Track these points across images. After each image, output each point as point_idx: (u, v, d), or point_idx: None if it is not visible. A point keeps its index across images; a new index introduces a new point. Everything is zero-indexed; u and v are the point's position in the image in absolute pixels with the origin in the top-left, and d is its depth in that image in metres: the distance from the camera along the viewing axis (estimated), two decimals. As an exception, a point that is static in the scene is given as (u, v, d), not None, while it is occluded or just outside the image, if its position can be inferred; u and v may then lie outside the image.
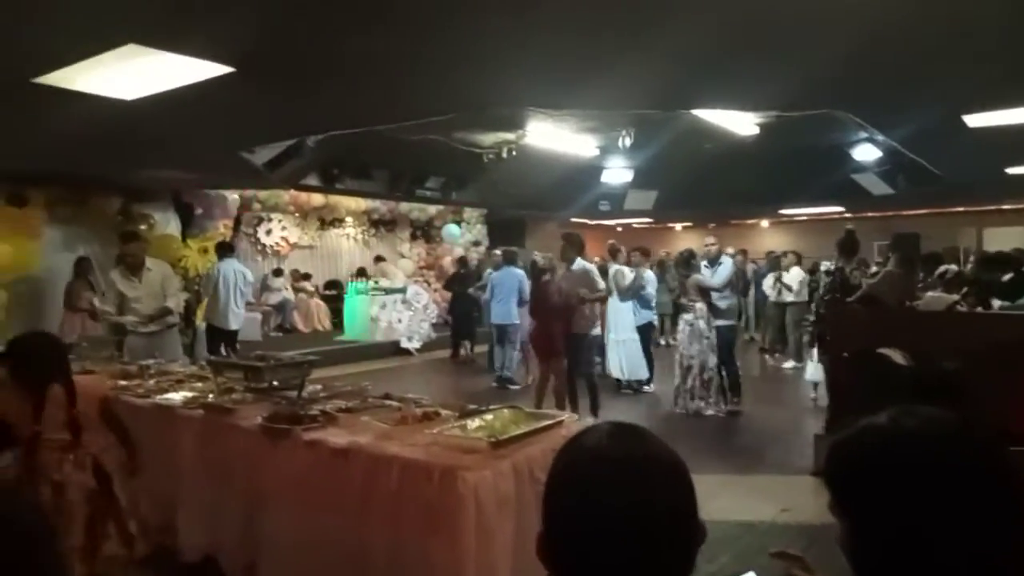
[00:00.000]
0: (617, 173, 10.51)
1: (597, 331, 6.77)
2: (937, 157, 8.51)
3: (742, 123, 6.85)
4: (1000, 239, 13.95)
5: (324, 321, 14.13)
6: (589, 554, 0.94)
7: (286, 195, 12.38)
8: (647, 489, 0.94)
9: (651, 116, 6.44)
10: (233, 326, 8.43)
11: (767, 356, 11.03)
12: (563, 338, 6.40)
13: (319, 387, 3.87)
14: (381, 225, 15.80)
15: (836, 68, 4.76)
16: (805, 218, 18.68)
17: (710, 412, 7.12)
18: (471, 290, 11.21)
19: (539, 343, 6.66)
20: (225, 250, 8.75)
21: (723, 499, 4.22)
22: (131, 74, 4.21)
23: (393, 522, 2.65)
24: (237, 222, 11.94)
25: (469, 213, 14.83)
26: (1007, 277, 6.21)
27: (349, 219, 15.25)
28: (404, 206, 14.49)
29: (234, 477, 3.27)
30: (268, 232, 14.23)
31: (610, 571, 0.93)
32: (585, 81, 4.99)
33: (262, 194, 11.94)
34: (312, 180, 9.64)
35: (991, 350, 3.20)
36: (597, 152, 8.81)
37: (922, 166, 8.94)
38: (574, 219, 16.78)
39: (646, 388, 8.38)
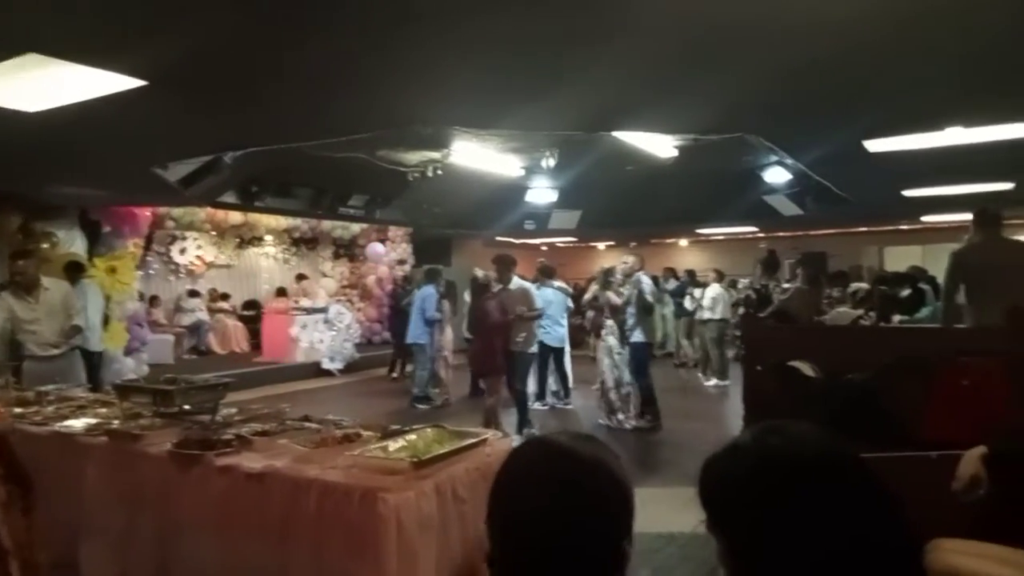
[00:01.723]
0: (542, 193, 10.63)
1: (535, 349, 6.80)
2: (842, 180, 8.99)
3: (662, 146, 7.04)
4: (899, 257, 14.83)
5: (242, 342, 13.67)
6: (516, 530, 1.00)
7: (202, 212, 11.97)
8: (580, 481, 1.01)
9: (574, 138, 6.56)
10: (98, 347, 8.00)
11: (698, 373, 11.23)
12: (502, 356, 6.40)
13: (234, 410, 3.72)
14: (302, 243, 15.47)
15: (750, 95, 4.99)
16: (722, 237, 19.40)
17: (627, 426, 7.26)
18: (404, 303, 11.21)
19: (478, 361, 6.66)
20: (79, 270, 8.21)
21: (645, 512, 4.25)
22: (33, 85, 3.99)
23: (314, 547, 2.57)
24: (148, 240, 11.45)
25: (394, 231, 14.69)
26: (905, 293, 6.61)
27: (269, 237, 14.88)
28: (327, 224, 14.24)
29: (144, 506, 3.11)
30: (182, 251, 13.71)
31: (532, 545, 0.99)
32: (510, 103, 5.05)
33: (176, 211, 11.50)
34: (230, 198, 9.35)
35: (894, 362, 3.36)
36: (522, 172, 8.88)
37: (828, 188, 9.42)
38: (500, 238, 16.86)
39: (537, 404, 8.45)
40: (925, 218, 14.50)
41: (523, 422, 6.65)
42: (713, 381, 10.39)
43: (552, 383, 8.69)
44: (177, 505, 2.97)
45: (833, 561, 0.91)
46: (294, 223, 13.95)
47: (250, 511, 2.74)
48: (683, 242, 20.86)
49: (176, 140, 6.12)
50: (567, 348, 8.77)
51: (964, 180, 9.07)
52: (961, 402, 3.13)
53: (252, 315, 14.09)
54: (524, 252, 19.21)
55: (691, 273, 12.45)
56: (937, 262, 11.23)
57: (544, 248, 20.31)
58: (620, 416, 7.36)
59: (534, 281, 8.71)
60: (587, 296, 8.08)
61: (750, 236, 18.35)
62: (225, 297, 14.17)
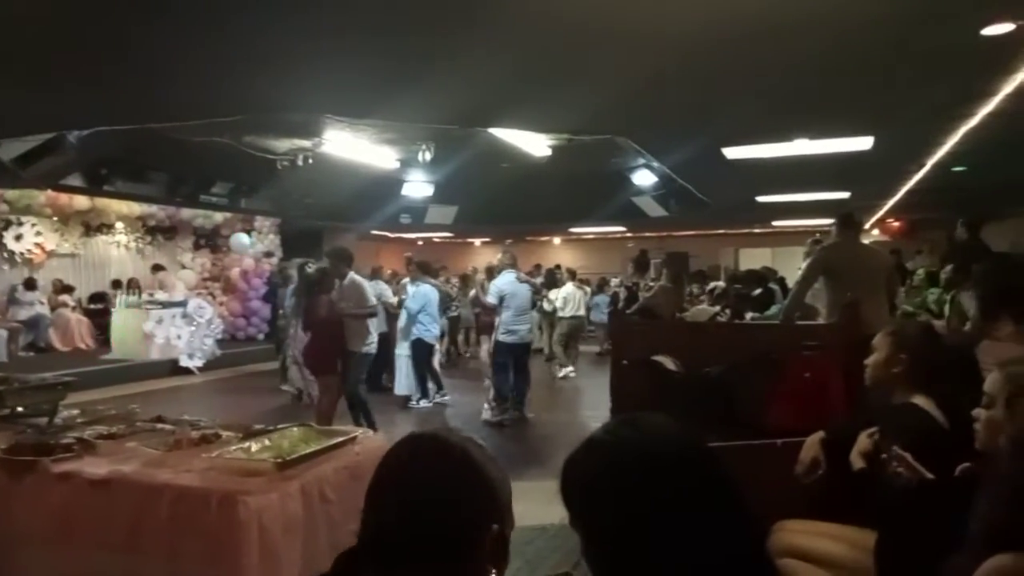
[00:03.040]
0: (418, 187, 10.53)
1: (370, 348, 6.29)
2: (703, 184, 9.54)
3: (536, 145, 7.17)
4: (752, 258, 15.94)
5: (87, 339, 12.61)
6: (387, 520, 1.03)
7: (41, 196, 10.93)
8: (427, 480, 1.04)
9: (451, 132, 6.54)
10: None
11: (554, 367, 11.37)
12: (336, 354, 6.06)
13: (76, 412, 3.42)
14: (159, 232, 14.47)
15: (618, 98, 5.18)
16: (592, 236, 20.06)
17: (486, 418, 7.37)
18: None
19: (310, 359, 6.39)
20: None
21: (518, 506, 4.35)
22: None
23: (167, 557, 2.41)
24: (-23, 225, 10.33)
25: (260, 222, 14.03)
26: (757, 292, 7.09)
27: (120, 225, 13.80)
28: (186, 212, 13.41)
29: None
30: (18, 237, 12.45)
31: (401, 532, 1.01)
32: (383, 92, 4.95)
33: (10, 194, 10.46)
34: (75, 180, 8.59)
35: (747, 356, 3.59)
36: (397, 165, 8.76)
37: (691, 192, 9.97)
38: (375, 231, 16.57)
39: (413, 403, 8.36)
40: (776, 223, 15.70)
41: (371, 425, 6.28)
42: (564, 372, 10.61)
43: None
44: (8, 517, 2.69)
45: (685, 550, 0.94)
46: (149, 210, 13.02)
47: (94, 521, 2.53)
48: (556, 240, 21.39)
49: (8, 115, 5.54)
50: (438, 346, 8.68)
51: (809, 189, 9.90)
52: (803, 392, 3.39)
53: (100, 308, 13.02)
54: (400, 246, 19.01)
55: (550, 274, 12.73)
56: (785, 263, 12.20)
57: (420, 243, 20.19)
58: (485, 407, 7.48)
59: (411, 277, 8.60)
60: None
61: (619, 236, 19.12)
62: (68, 289, 13.01)
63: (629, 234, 18.74)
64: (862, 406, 2.74)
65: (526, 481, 5.48)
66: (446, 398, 8.54)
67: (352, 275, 6.28)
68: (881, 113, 5.76)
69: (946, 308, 5.69)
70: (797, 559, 2.18)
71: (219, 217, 13.84)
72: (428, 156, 7.72)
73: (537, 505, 4.54)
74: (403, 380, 8.43)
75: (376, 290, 8.47)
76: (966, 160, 7.77)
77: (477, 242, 21.81)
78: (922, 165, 8.27)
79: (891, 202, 11.93)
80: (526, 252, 18.39)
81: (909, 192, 10.41)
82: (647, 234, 18.17)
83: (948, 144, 6.97)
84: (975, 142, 6.65)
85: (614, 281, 16.08)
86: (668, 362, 3.71)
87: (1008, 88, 4.93)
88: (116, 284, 13.17)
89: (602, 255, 19.92)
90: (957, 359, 2.37)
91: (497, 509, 1.06)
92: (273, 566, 2.33)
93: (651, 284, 8.29)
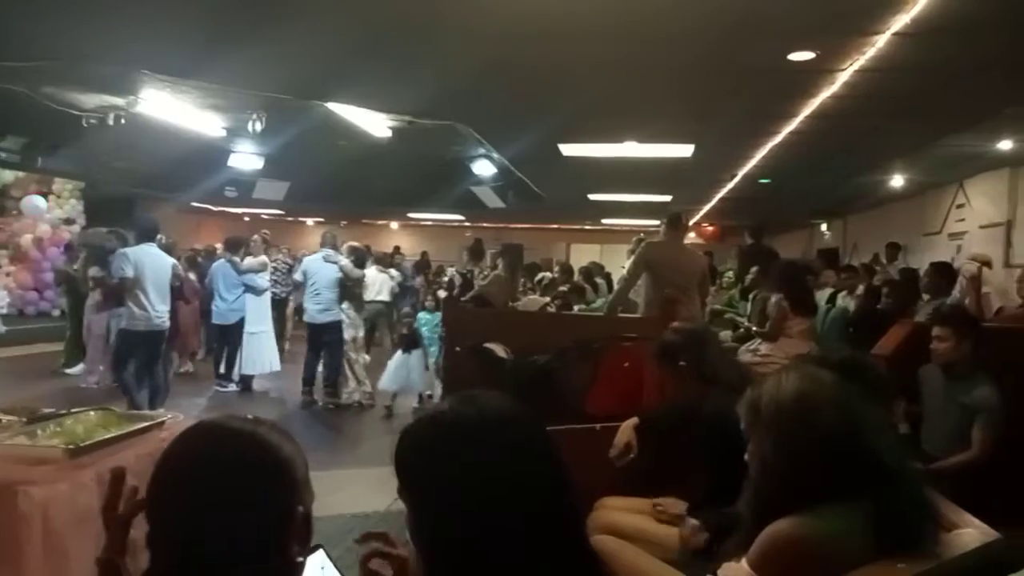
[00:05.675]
0: (246, 159, 9.86)
1: (131, 326, 5.73)
2: (539, 179, 9.84)
3: (376, 125, 7.00)
4: (583, 253, 16.73)
5: None
6: (171, 511, 0.96)
7: None
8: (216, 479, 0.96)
9: (284, 103, 6.21)
10: None
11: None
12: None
13: None
14: (-69, 189, 12.53)
15: (456, 84, 5.21)
16: (431, 223, 20.02)
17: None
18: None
19: None
20: None
21: (344, 493, 4.23)
22: None
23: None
24: None
25: (60, 185, 12.56)
26: (586, 285, 7.44)
27: None
28: (-33, 168, 11.72)
29: None
30: None
31: (186, 524, 0.95)
32: (207, 52, 4.62)
33: None
34: None
35: (572, 344, 3.75)
36: (224, 133, 8.17)
37: (528, 185, 10.24)
38: (196, 203, 15.42)
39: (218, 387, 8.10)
40: (605, 220, 16.55)
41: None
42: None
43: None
44: None
45: (510, 527, 0.96)
46: (-83, 162, 11.24)
47: None
48: (394, 225, 21.11)
49: None
50: (249, 327, 8.03)
51: (636, 190, 10.53)
52: (621, 381, 3.60)
53: None
54: (224, 221, 17.82)
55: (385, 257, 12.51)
56: (612, 259, 12.89)
57: (247, 219, 19.07)
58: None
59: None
60: None
61: (457, 224, 19.24)
62: None
63: (467, 223, 18.90)
64: (670, 398, 2.94)
65: (348, 469, 5.38)
66: (228, 387, 8.09)
67: (134, 248, 5.80)
68: (701, 123, 6.24)
69: (748, 306, 6.32)
70: (612, 535, 2.30)
71: (9, 176, 12.22)
72: (259, 127, 7.24)
73: (363, 493, 4.46)
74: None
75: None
76: (771, 173, 8.63)
77: (310, 221, 20.98)
78: (734, 175, 9.08)
79: (706, 207, 12.99)
80: (362, 235, 17.85)
81: (722, 199, 11.41)
82: (485, 224, 18.43)
83: (756, 157, 7.71)
84: (779, 157, 7.40)
85: (450, 270, 16.11)
86: (499, 349, 3.80)
87: (807, 110, 5.54)
88: None
89: (440, 242, 19.92)
90: (728, 359, 2.63)
91: (298, 489, 1.01)
92: (60, 563, 2.09)
93: (487, 272, 8.41)
